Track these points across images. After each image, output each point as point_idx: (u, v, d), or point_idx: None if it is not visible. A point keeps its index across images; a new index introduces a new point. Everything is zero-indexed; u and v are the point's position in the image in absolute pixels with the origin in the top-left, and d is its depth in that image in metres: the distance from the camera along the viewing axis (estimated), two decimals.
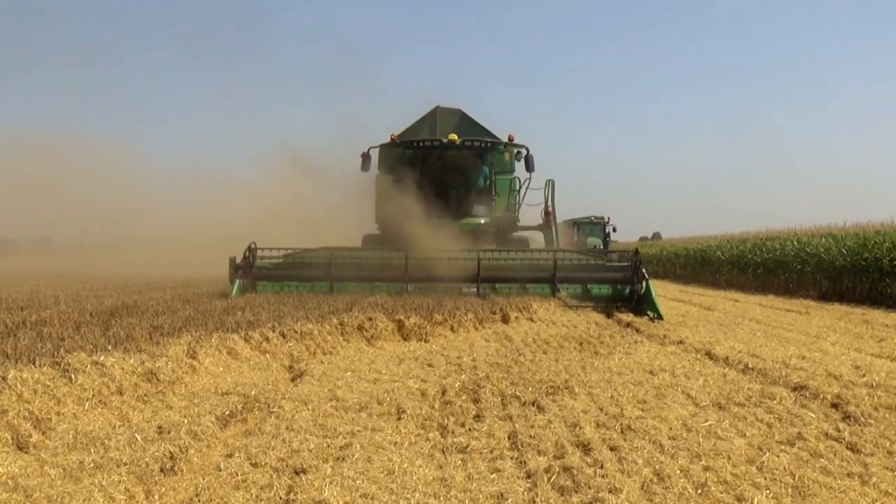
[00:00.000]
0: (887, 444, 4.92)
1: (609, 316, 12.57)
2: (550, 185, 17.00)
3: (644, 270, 13.25)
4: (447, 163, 16.54)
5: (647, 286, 13.12)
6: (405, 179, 16.31)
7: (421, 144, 16.48)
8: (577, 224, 34.26)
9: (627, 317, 12.43)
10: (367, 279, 13.36)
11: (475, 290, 13.19)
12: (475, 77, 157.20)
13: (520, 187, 16.90)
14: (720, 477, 4.23)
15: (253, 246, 13.50)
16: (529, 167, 16.52)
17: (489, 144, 16.60)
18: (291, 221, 23.11)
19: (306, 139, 50.00)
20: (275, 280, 13.51)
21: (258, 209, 26.16)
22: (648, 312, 12.71)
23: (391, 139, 16.82)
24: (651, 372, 7.45)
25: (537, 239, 17.39)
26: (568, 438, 4.99)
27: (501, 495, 3.99)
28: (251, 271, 13.35)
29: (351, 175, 17.51)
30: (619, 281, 13.61)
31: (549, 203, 17.00)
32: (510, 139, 16.95)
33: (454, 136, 16.22)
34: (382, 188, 16.66)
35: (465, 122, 17.63)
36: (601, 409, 5.84)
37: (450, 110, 17.97)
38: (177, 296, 12.63)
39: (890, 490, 4.12)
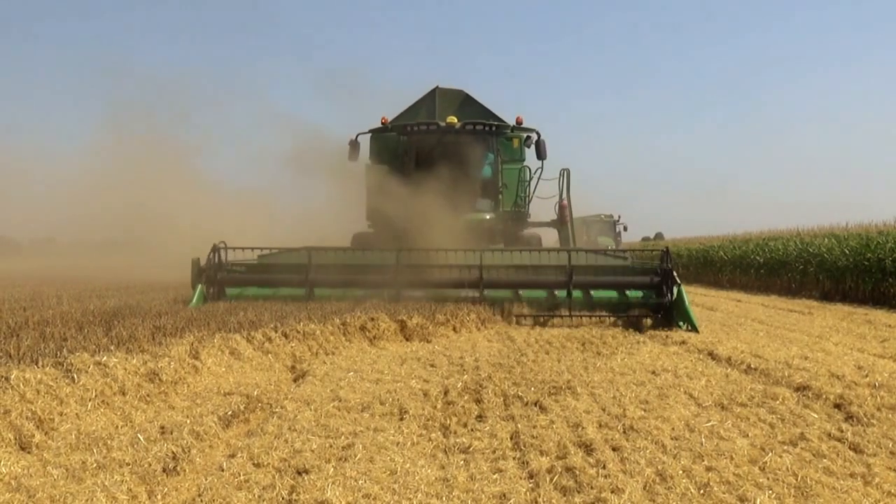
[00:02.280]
0: (890, 445, 4.91)
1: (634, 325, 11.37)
2: (565, 174, 15.00)
3: (676, 274, 11.36)
4: (447, 150, 14.38)
5: (680, 292, 11.23)
6: (399, 169, 14.50)
7: (416, 129, 14.50)
8: (587, 222, 33.64)
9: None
10: (352, 284, 11.72)
11: (477, 295, 11.55)
12: (472, 73, 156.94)
13: (530, 178, 14.92)
14: (723, 477, 4.22)
15: (221, 245, 11.87)
16: (541, 154, 14.53)
17: (494, 128, 14.61)
18: (278, 218, 21.89)
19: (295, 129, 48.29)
20: (244, 285, 11.94)
21: (244, 207, 24.96)
22: (680, 324, 11.02)
23: (382, 122, 14.98)
24: (653, 372, 7.45)
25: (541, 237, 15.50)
26: (570, 439, 4.99)
27: (504, 495, 3.99)
28: (217, 275, 11.74)
29: (339, 165, 15.62)
30: (647, 286, 11.65)
31: (565, 196, 14.99)
32: (518, 122, 14.95)
33: (453, 119, 14.39)
34: (373, 180, 14.79)
35: (468, 105, 15.47)
36: (603, 410, 5.83)
37: (451, 91, 15.78)
38: (179, 297, 12.64)
39: (893, 490, 4.11)
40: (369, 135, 15.29)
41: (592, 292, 11.80)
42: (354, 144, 14.85)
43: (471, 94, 15.74)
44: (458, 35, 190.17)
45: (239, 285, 11.94)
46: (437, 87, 15.82)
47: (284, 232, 17.97)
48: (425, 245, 12.31)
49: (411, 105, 15.73)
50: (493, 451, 4.79)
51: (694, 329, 10.71)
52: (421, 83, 37.66)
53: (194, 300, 11.17)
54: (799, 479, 4.22)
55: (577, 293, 11.67)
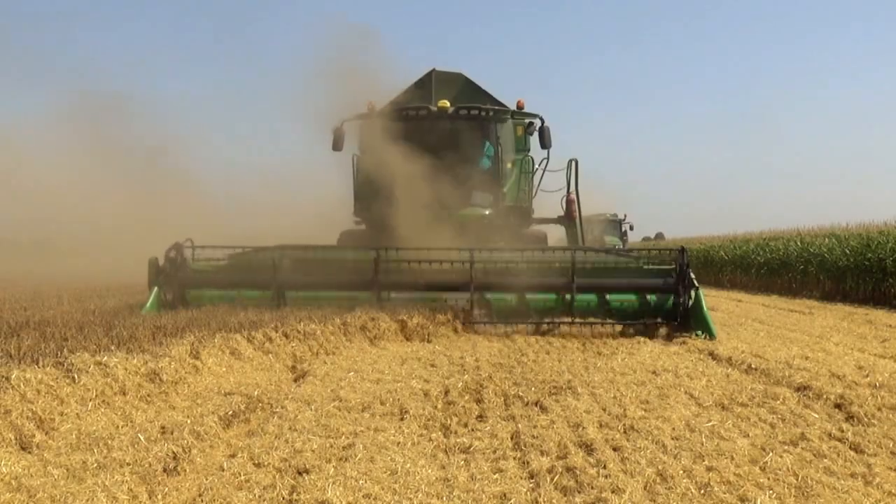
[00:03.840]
0: (890, 445, 4.91)
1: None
2: (574, 165, 13.50)
3: (693, 276, 10.46)
4: (440, 138, 13.02)
5: (698, 296, 10.29)
6: (390, 160, 12.75)
7: (404, 114, 13.18)
8: (591, 221, 33.24)
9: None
10: (327, 286, 10.57)
11: (467, 299, 10.41)
12: (467, 67, 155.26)
13: (534, 169, 13.66)
14: (723, 477, 4.22)
15: (188, 244, 10.74)
16: (545, 142, 13.22)
17: (492, 113, 13.25)
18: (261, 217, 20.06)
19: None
20: (206, 287, 10.64)
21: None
22: (698, 332, 9.93)
23: (368, 108, 13.50)
24: (654, 372, 7.45)
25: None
26: (571, 439, 4.99)
27: (504, 495, 3.99)
28: (177, 277, 10.55)
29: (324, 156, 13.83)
30: (660, 289, 10.59)
31: (573, 189, 13.59)
32: (519, 106, 13.59)
33: (445, 103, 13.11)
34: (362, 172, 13.52)
35: (468, 89, 13.99)
36: (604, 410, 5.83)
37: (449, 74, 14.22)
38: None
39: (894, 490, 4.11)
40: (358, 122, 13.61)
41: (579, 297, 10.50)
42: (339, 132, 13.32)
43: (470, 78, 14.24)
44: (453, 18, 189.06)
45: (202, 287, 10.66)
46: (433, 69, 14.21)
47: (262, 229, 16.34)
48: (417, 243, 10.90)
49: (405, 90, 14.07)
50: (494, 451, 4.78)
51: (711, 336, 9.76)
52: (415, 65, 35.05)
53: (148, 304, 10.06)
54: (799, 478, 4.22)
55: (579, 297, 10.45)
